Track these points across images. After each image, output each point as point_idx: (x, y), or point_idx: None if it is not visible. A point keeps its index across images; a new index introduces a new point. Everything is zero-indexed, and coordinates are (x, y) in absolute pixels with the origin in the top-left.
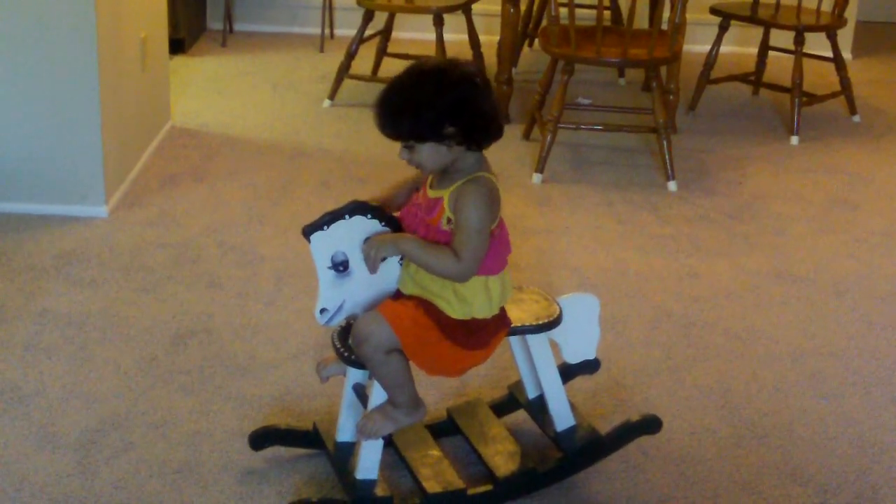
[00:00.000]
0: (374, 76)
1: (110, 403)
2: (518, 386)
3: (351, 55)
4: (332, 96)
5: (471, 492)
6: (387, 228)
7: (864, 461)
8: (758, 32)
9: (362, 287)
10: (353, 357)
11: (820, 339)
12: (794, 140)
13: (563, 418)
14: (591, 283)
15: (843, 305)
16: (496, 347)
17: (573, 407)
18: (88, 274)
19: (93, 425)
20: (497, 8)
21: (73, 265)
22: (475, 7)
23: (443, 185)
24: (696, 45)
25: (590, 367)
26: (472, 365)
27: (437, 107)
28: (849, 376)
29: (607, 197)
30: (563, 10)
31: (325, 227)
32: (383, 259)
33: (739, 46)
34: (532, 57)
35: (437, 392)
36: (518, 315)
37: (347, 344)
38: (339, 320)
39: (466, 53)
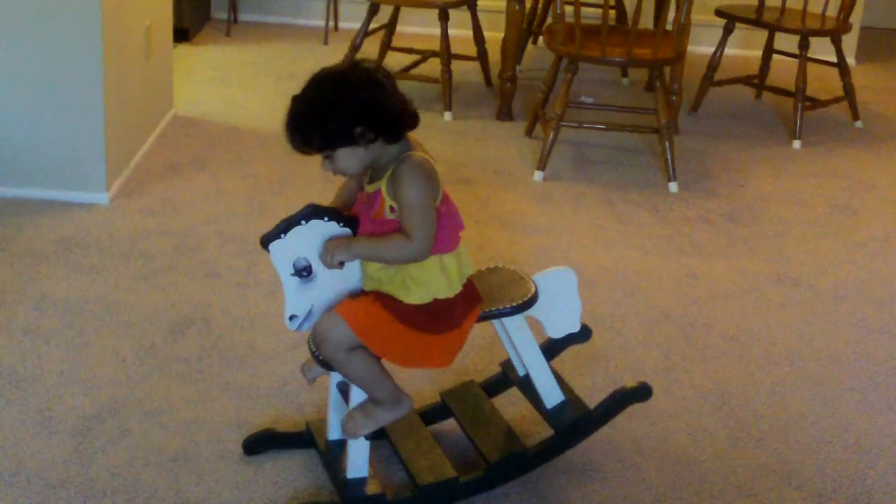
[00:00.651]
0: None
1: (108, 390)
2: (509, 363)
3: (355, 48)
4: None
5: (463, 479)
6: (346, 229)
7: (860, 466)
8: (762, 35)
9: (328, 290)
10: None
11: (818, 343)
12: (797, 144)
13: (551, 396)
14: (590, 281)
15: (841, 310)
16: (471, 326)
17: (562, 382)
18: (88, 260)
19: (90, 411)
20: (502, 4)
21: (74, 251)
22: (480, 3)
23: (377, 177)
24: (701, 47)
25: (579, 336)
26: (451, 350)
27: (341, 111)
28: (846, 380)
29: (608, 196)
30: (569, 9)
31: (283, 235)
32: (341, 263)
33: (744, 49)
34: (536, 54)
35: (431, 375)
36: (493, 297)
37: None
38: (310, 325)
39: (471, 49)
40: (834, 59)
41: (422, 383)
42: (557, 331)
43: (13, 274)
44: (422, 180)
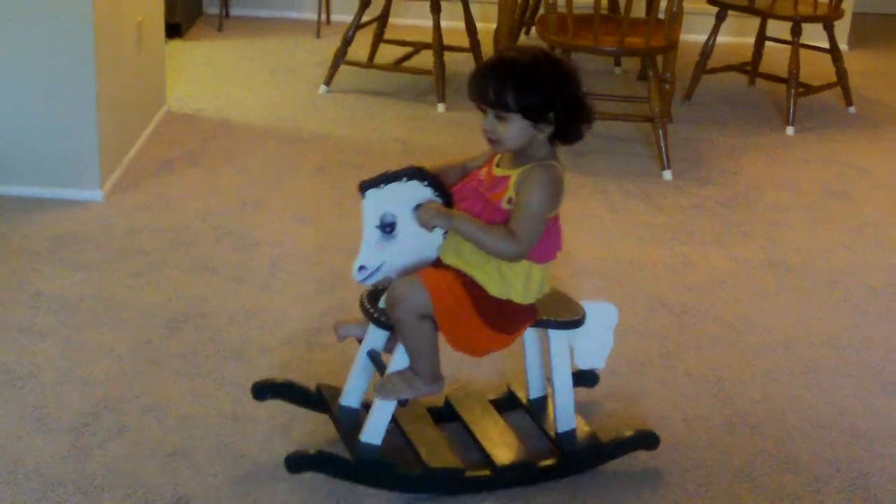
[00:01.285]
0: (370, 62)
1: (104, 386)
2: (517, 384)
3: (347, 41)
4: (328, 82)
5: (468, 473)
6: (439, 199)
7: (856, 450)
8: (755, 22)
9: (404, 252)
10: (381, 318)
11: (813, 329)
12: (790, 130)
13: (565, 419)
14: (584, 270)
15: (836, 295)
16: (519, 336)
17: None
18: (83, 257)
19: (86, 408)
20: None
21: (68, 248)
22: None
23: (512, 165)
24: (693, 35)
25: (590, 379)
26: (496, 348)
27: (550, 90)
28: (841, 366)
29: (602, 185)
30: None
31: (382, 186)
32: (433, 228)
33: (736, 36)
34: (529, 45)
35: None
36: (543, 310)
37: (377, 305)
38: (374, 281)
39: (463, 41)
40: (826, 45)
41: None
42: (585, 362)
43: (8, 271)
44: (551, 192)
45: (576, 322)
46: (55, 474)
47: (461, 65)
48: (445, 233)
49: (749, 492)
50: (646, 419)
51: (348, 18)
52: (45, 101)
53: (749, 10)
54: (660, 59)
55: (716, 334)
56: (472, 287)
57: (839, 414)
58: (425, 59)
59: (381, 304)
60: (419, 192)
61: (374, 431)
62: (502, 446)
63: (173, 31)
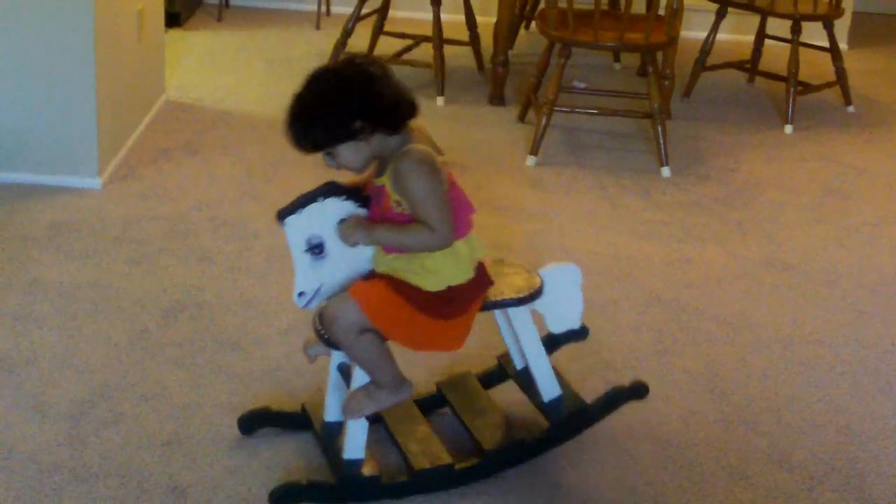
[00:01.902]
0: (370, 54)
1: (101, 374)
2: (506, 357)
3: (347, 33)
4: None
5: (458, 466)
6: (362, 210)
7: (851, 449)
8: (755, 20)
9: (339, 269)
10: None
11: (809, 327)
12: (789, 129)
13: (549, 389)
14: (582, 266)
15: (833, 294)
16: (477, 309)
17: (560, 377)
18: (80, 245)
19: (83, 396)
20: None
21: (65, 236)
22: None
23: (381, 171)
24: (693, 32)
25: (577, 334)
26: (460, 333)
27: (339, 108)
28: (837, 365)
29: (601, 181)
30: None
31: (300, 211)
32: (356, 244)
33: (736, 34)
34: (529, 39)
35: (427, 366)
36: (499, 288)
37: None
38: (317, 303)
39: (463, 34)
40: (826, 43)
41: (417, 372)
42: (559, 326)
43: (5, 259)
44: (425, 171)
45: (532, 295)
46: (51, 461)
47: (461, 58)
48: None
49: (744, 489)
50: (641, 416)
51: (348, 10)
52: (44, 89)
53: (749, 7)
54: (659, 55)
55: (712, 331)
56: (405, 288)
57: (835, 412)
58: (425, 52)
59: None
60: (339, 207)
61: (353, 447)
62: (491, 429)
63: (173, 20)
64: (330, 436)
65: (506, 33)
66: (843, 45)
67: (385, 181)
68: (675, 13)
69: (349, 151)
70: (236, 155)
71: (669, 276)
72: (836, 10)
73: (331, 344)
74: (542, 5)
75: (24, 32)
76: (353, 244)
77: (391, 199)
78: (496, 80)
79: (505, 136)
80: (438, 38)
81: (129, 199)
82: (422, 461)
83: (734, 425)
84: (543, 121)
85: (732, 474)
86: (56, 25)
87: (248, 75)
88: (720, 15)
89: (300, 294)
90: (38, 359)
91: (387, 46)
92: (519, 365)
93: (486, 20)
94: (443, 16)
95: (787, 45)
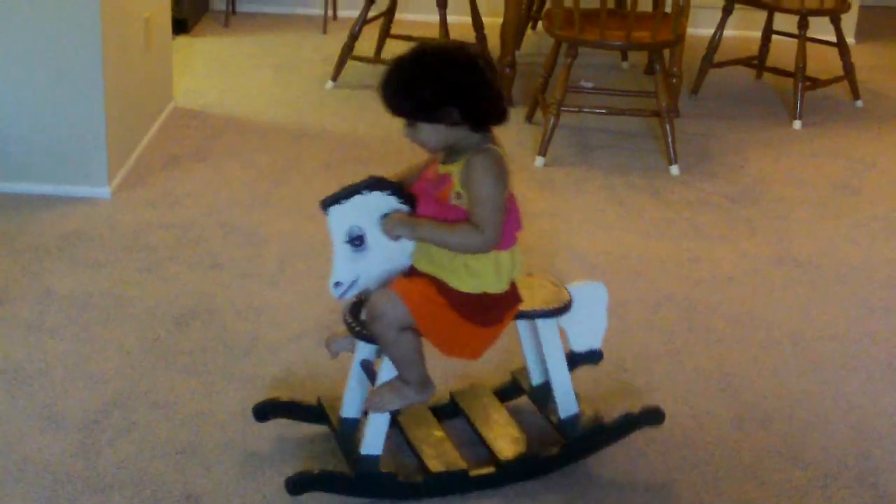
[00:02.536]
0: (377, 58)
1: (113, 383)
2: (522, 372)
3: (354, 36)
4: (335, 78)
5: (472, 473)
6: (404, 205)
7: (864, 445)
8: (761, 16)
9: (377, 262)
10: (364, 332)
11: (820, 324)
12: (797, 124)
13: (567, 405)
14: (592, 266)
15: (843, 290)
16: (508, 322)
17: (577, 395)
18: (92, 254)
19: (96, 405)
20: None
21: (77, 245)
22: None
23: (451, 160)
24: (700, 29)
25: (593, 357)
26: (487, 344)
27: (436, 87)
28: (849, 361)
29: (609, 180)
30: None
31: (343, 201)
32: (398, 238)
33: (743, 30)
34: (535, 39)
35: (440, 375)
36: (528, 300)
37: (359, 319)
38: (353, 295)
39: (469, 35)
40: (833, 38)
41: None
42: (581, 344)
43: (17, 269)
44: (497, 174)
45: (563, 308)
46: (65, 472)
47: None
48: None
49: (757, 487)
50: None
51: (355, 14)
52: (52, 99)
53: (756, 3)
54: (667, 53)
55: (723, 330)
56: (446, 289)
57: (847, 409)
58: None
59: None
60: (383, 201)
61: (372, 443)
62: (506, 440)
63: (180, 27)
64: (347, 431)
65: (512, 34)
66: (850, 40)
67: (453, 170)
68: (682, 11)
69: (430, 131)
70: (245, 161)
71: (679, 274)
72: (843, 5)
73: (363, 337)
74: (548, 5)
75: (31, 42)
76: (396, 238)
77: (453, 190)
78: (503, 81)
79: (513, 136)
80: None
81: (140, 207)
82: (437, 464)
83: (746, 423)
84: (551, 121)
85: (746, 472)
86: (63, 34)
87: (256, 81)
88: (727, 11)
89: (337, 284)
90: (51, 369)
91: (394, 49)
92: (535, 381)
93: (493, 21)
94: (449, 18)
95: (795, 41)
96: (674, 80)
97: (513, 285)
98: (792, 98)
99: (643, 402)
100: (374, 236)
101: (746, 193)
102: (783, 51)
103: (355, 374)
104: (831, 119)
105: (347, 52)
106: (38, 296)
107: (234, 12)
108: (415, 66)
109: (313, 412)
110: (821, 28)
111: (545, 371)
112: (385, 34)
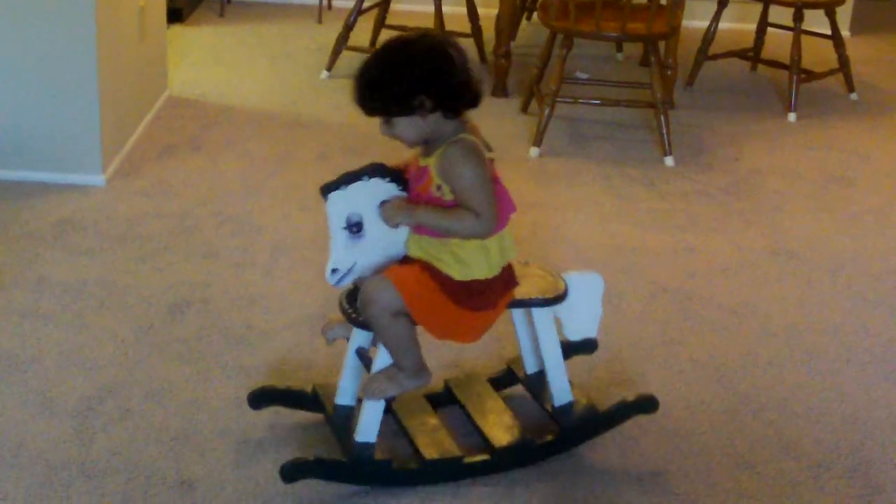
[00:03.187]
0: (372, 48)
1: (107, 371)
2: (516, 361)
3: (349, 26)
4: (329, 68)
5: (467, 460)
6: (404, 193)
7: (857, 436)
8: (757, 8)
9: (374, 250)
10: (360, 319)
11: (814, 316)
12: (792, 117)
13: (561, 394)
14: (587, 257)
15: (837, 282)
16: (503, 309)
17: (571, 383)
18: (86, 242)
19: (90, 392)
20: None
21: (71, 233)
22: None
23: (428, 153)
24: (695, 21)
25: (588, 346)
26: (482, 327)
27: (406, 80)
28: (843, 353)
29: (604, 171)
30: None
31: (344, 187)
32: (397, 225)
33: (738, 22)
34: (530, 30)
35: (435, 363)
36: (524, 289)
37: (355, 306)
38: (349, 281)
39: (465, 26)
40: (828, 31)
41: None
42: (576, 333)
43: (11, 257)
44: (472, 159)
45: (558, 297)
46: (59, 458)
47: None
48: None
49: (750, 478)
50: None
51: (350, 4)
52: (46, 87)
53: None
54: (662, 45)
55: (718, 321)
56: (438, 275)
57: (840, 400)
58: None
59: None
60: (382, 188)
61: (366, 430)
62: (500, 428)
63: (175, 16)
64: (341, 418)
65: (507, 25)
66: (845, 33)
67: (431, 163)
68: (677, 2)
69: (405, 124)
70: (240, 150)
71: (674, 265)
72: None
73: (359, 324)
74: None
75: (26, 31)
76: (395, 225)
77: (433, 182)
78: (498, 72)
79: (508, 127)
80: (441, 31)
81: (134, 196)
82: (431, 451)
83: (740, 414)
84: (546, 112)
85: (739, 463)
86: (58, 23)
87: (251, 70)
88: (722, 4)
89: (333, 270)
90: (45, 356)
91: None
92: (530, 369)
93: (488, 12)
94: (444, 8)
95: (790, 33)
96: (669, 72)
97: (508, 269)
98: (787, 90)
99: (637, 391)
100: (373, 223)
101: (741, 185)
102: (778, 43)
103: (350, 362)
104: (826, 111)
105: (342, 42)
106: (33, 283)
107: (229, 2)
108: (380, 63)
109: (308, 399)
110: (816, 20)
111: (540, 360)
112: (380, 24)
